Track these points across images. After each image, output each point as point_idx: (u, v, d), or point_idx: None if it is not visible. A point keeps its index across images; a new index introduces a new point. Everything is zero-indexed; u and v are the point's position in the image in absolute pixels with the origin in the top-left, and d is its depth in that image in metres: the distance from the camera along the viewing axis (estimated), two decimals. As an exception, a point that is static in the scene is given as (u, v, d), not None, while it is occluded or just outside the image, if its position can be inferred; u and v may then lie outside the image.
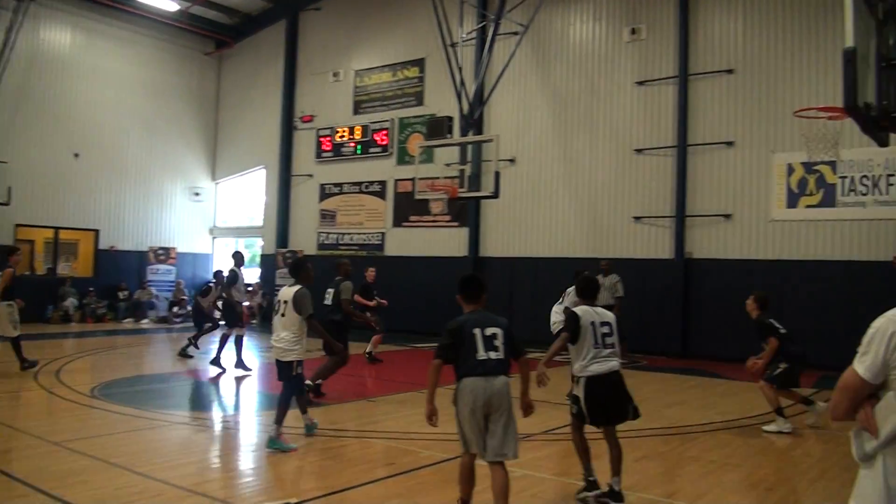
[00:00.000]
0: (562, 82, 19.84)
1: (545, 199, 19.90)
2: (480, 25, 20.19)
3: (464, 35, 18.78)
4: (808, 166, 15.71)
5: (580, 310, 6.45)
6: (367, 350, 15.13)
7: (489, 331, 5.44)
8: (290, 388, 8.31)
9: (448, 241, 21.70)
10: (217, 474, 7.31)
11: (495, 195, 16.25)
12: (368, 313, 14.31)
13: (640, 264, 17.73)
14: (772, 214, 16.54)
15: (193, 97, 27.45)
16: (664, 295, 17.53)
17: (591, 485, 6.34)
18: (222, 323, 14.85)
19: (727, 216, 17.12)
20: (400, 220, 22.83)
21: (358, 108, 24.14)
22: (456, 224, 21.52)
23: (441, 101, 21.45)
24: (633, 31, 18.64)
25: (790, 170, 16.25)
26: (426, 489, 6.66)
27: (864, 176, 15.37)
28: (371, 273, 15.61)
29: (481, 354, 5.36)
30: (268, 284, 24.87)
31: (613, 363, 6.32)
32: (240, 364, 13.66)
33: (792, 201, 16.26)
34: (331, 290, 11.42)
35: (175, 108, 26.73)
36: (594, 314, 6.41)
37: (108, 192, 24.74)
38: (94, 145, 24.27)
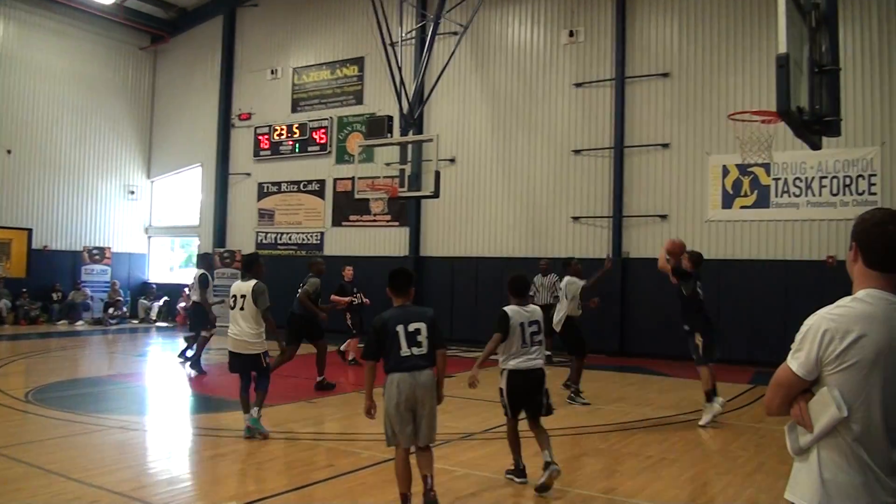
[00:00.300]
0: (501, 83, 19.94)
1: (485, 198, 19.97)
2: (420, 25, 20.15)
3: (403, 34, 18.75)
4: (743, 168, 16.05)
5: (510, 310, 6.74)
6: (341, 348, 15.17)
7: (412, 326, 5.68)
8: (266, 377, 8.59)
9: (388, 241, 21.64)
10: (155, 479, 7.16)
11: (436, 195, 16.26)
12: (348, 313, 14.64)
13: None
14: (707, 215, 16.87)
15: (128, 93, 26.82)
16: (602, 294, 17.67)
17: (521, 472, 6.82)
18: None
19: (663, 216, 17.39)
20: (339, 219, 22.68)
21: (296, 107, 23.91)
22: (396, 224, 21.47)
23: (381, 100, 21.38)
24: (571, 34, 18.80)
25: (725, 171, 16.60)
26: (368, 490, 6.64)
27: (798, 178, 15.78)
28: (349, 272, 15.29)
29: (405, 351, 5.62)
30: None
31: (538, 362, 6.71)
32: (196, 365, 13.51)
33: (727, 202, 16.60)
34: (301, 286, 12.03)
35: (110, 103, 26.07)
36: (523, 314, 6.72)
37: (40, 190, 24.07)
38: (26, 141, 23.61)
